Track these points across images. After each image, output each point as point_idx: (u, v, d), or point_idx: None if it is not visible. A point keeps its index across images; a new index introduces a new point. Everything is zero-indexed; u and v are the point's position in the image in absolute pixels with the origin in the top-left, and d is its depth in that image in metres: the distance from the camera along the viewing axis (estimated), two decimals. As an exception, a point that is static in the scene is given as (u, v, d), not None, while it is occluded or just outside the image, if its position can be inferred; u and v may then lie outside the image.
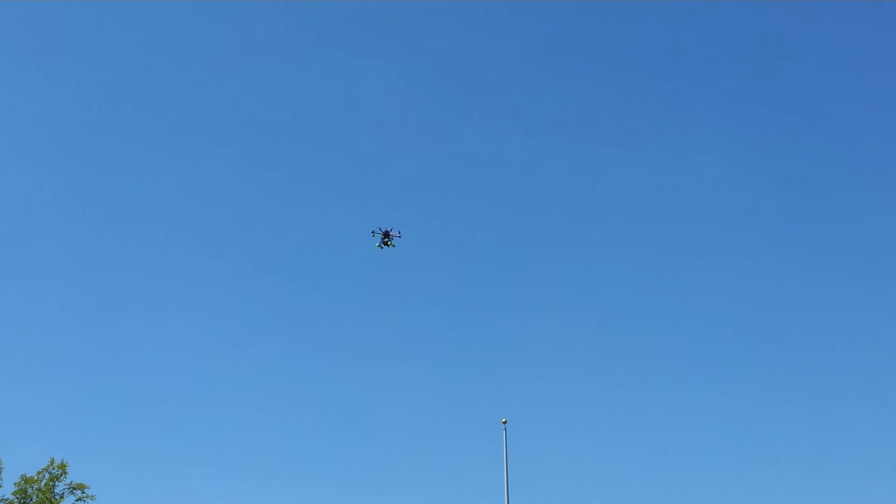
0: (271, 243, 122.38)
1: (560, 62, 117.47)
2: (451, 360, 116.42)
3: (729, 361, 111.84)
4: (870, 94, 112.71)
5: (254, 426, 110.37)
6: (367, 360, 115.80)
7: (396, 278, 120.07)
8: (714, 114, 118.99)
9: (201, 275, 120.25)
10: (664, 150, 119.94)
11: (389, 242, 48.87)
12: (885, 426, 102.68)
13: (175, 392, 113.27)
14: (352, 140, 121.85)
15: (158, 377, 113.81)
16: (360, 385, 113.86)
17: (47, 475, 39.14)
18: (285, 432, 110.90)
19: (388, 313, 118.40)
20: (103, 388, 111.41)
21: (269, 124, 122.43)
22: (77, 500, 39.27)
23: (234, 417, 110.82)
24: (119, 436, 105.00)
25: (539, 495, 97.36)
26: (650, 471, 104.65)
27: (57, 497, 39.00)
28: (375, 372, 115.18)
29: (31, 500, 39.08)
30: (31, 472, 39.16)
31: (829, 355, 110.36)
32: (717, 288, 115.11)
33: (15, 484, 39.18)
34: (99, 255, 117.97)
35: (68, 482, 38.84)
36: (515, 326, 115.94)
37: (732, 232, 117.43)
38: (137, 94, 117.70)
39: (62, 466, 39.41)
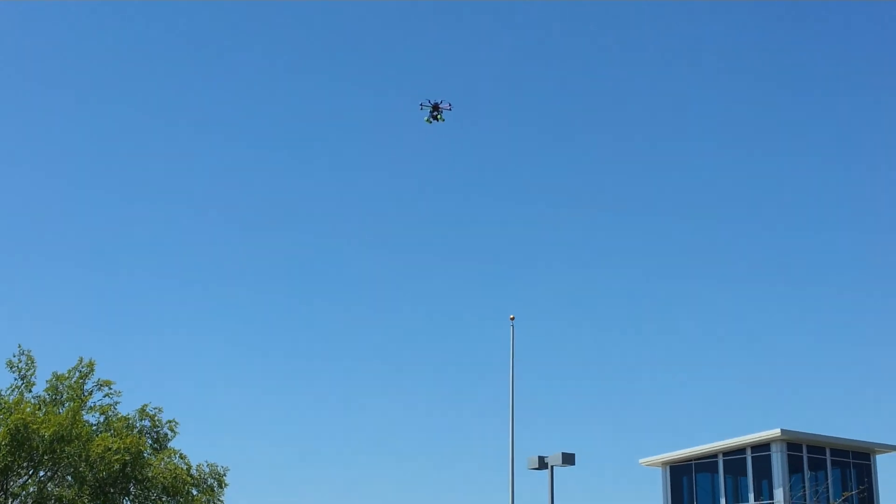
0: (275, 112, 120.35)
1: None
2: (463, 249, 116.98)
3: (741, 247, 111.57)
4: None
5: (263, 304, 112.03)
6: (377, 241, 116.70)
7: (414, 156, 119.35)
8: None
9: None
10: None
11: (439, 116, 45.55)
12: None
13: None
14: None
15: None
16: (370, 265, 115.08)
17: (77, 373, 40.88)
18: (294, 307, 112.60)
19: (398, 194, 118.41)
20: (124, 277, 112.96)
21: None
22: (104, 396, 41.34)
23: (249, 297, 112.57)
24: (142, 331, 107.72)
25: (545, 389, 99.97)
26: (660, 358, 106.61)
27: (86, 393, 40.95)
28: (386, 254, 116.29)
29: (62, 395, 41.00)
30: (62, 370, 41.05)
31: None
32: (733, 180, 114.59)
33: (47, 381, 41.03)
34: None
35: (96, 379, 40.71)
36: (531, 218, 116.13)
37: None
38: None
39: (90, 365, 40.96)
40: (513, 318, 45.47)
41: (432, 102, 45.91)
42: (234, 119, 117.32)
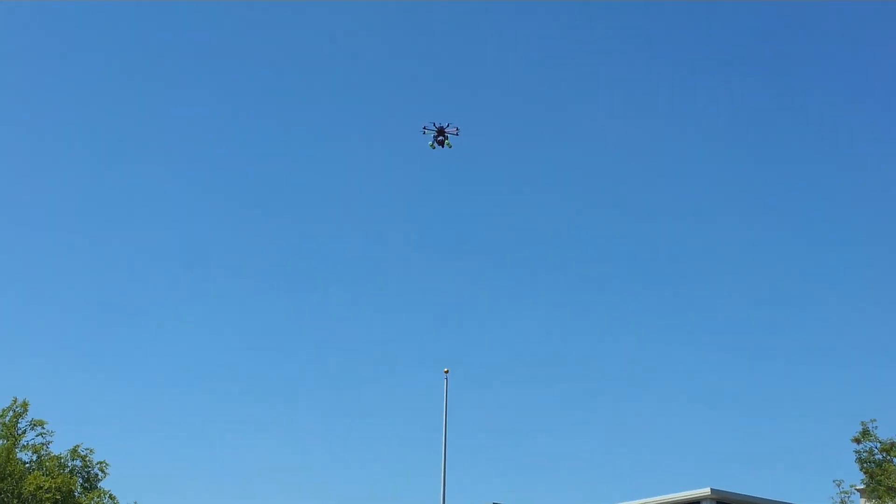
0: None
1: None
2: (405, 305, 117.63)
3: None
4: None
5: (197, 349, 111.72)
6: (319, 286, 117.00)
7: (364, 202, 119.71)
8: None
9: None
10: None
11: (445, 141, 40.60)
12: None
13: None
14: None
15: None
16: (311, 313, 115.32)
17: (11, 412, 41.42)
18: (225, 350, 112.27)
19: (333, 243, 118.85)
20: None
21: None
22: (37, 435, 41.87)
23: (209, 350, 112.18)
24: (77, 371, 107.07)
25: (478, 441, 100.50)
26: (593, 414, 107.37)
27: (20, 432, 41.49)
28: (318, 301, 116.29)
29: (-3, 434, 41.58)
30: (-4, 410, 41.56)
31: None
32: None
33: (-19, 420, 41.57)
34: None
35: (29, 419, 41.25)
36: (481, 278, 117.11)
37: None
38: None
39: (24, 405, 41.50)
40: (447, 371, 46.49)
41: (437, 126, 40.63)
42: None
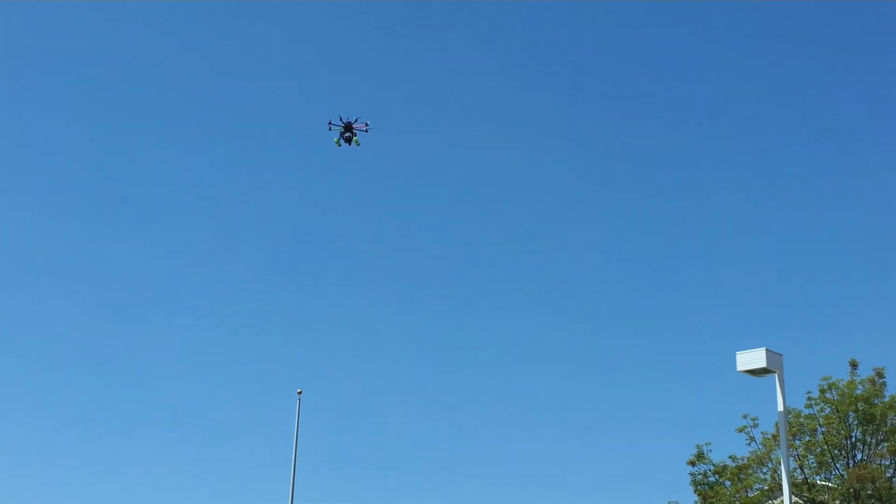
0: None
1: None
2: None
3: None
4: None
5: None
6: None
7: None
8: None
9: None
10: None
11: (353, 138, 37.37)
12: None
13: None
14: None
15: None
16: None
17: None
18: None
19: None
20: None
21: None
22: None
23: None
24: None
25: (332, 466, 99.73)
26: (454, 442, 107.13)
27: None
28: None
29: None
30: None
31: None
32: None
33: None
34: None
35: None
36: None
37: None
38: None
39: None
40: (300, 392, 46.30)
41: (344, 121, 37.45)
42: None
